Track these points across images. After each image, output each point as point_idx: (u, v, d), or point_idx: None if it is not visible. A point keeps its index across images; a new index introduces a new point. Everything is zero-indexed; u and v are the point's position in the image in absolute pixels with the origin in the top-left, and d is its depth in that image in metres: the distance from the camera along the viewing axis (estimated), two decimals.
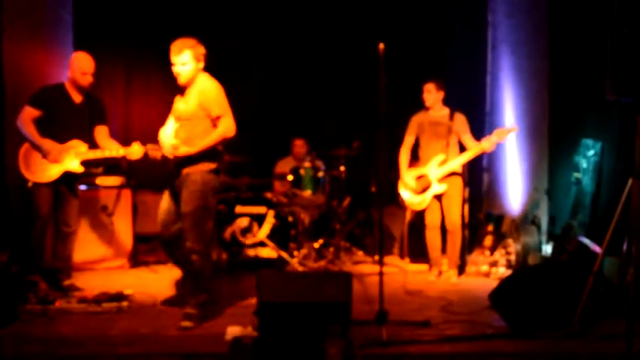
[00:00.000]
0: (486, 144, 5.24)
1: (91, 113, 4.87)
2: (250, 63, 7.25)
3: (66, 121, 4.72)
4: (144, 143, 4.60)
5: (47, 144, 4.66)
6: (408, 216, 6.32)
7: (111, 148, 4.75)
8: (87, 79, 4.77)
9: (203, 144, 4.02)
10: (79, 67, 4.75)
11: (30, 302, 4.29)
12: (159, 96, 7.21)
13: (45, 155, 4.65)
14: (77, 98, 4.79)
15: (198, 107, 4.08)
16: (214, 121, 4.08)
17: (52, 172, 4.68)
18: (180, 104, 4.16)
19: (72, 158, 4.71)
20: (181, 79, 4.12)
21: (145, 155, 4.58)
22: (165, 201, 4.24)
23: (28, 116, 4.65)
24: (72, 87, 4.78)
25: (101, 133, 4.88)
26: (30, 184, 4.69)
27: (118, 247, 5.83)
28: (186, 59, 4.10)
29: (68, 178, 4.77)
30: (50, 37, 6.22)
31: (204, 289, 4.09)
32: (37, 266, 4.82)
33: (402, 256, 6.56)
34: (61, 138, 4.71)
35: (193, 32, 7.52)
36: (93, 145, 4.87)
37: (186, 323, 3.91)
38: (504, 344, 3.63)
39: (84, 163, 4.75)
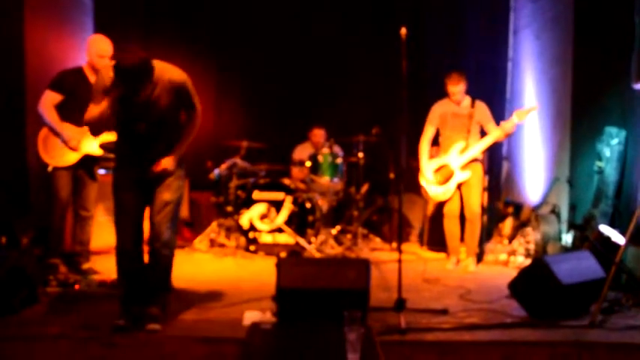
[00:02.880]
0: (508, 125, 5.17)
1: None
2: (268, 49, 7.22)
3: (85, 104, 4.69)
4: None
5: (67, 130, 4.67)
6: (431, 208, 6.27)
7: None
8: (104, 63, 4.69)
9: (185, 142, 3.61)
10: (97, 50, 4.73)
11: (50, 285, 4.33)
12: None
13: (65, 142, 4.66)
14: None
15: (175, 102, 3.53)
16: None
17: (72, 156, 4.71)
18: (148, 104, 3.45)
19: (90, 141, 4.72)
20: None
21: None
22: (132, 207, 3.57)
23: (49, 101, 4.66)
24: (90, 70, 4.78)
25: None
26: (50, 168, 4.71)
27: None
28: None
29: (87, 161, 4.79)
30: (70, 21, 6.23)
31: (169, 287, 3.78)
32: (58, 250, 4.87)
33: (421, 244, 6.54)
34: (80, 122, 4.69)
35: (212, 19, 7.54)
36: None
37: (154, 326, 3.46)
38: (524, 333, 3.59)
39: (103, 145, 4.76)
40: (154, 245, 3.60)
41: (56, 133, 4.67)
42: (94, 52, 4.74)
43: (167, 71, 3.50)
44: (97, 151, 4.76)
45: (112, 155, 5.56)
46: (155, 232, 3.59)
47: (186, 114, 3.64)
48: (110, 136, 4.79)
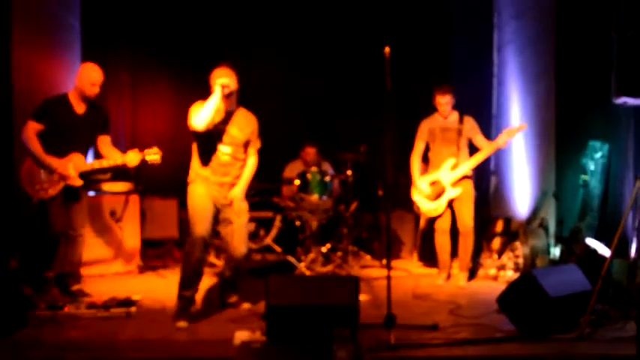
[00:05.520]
0: (500, 140, 5.24)
1: (94, 123, 4.82)
2: (257, 68, 7.26)
3: (67, 133, 4.67)
4: (151, 147, 4.69)
5: (53, 162, 4.60)
6: (422, 224, 6.28)
7: (109, 158, 4.72)
8: (94, 90, 4.73)
9: (248, 177, 4.51)
10: (89, 78, 4.70)
11: (39, 308, 4.31)
12: (165, 101, 7.25)
13: (52, 173, 4.59)
14: (80, 109, 4.75)
15: (249, 136, 4.47)
16: (248, 149, 4.52)
17: (54, 188, 4.64)
18: (234, 130, 4.37)
19: (70, 172, 4.65)
20: (231, 104, 4.37)
21: (144, 161, 4.65)
22: (210, 208, 4.35)
23: (32, 131, 4.59)
24: (76, 97, 4.73)
25: (104, 142, 4.86)
26: (35, 200, 4.63)
27: (126, 253, 5.85)
28: (234, 84, 4.33)
29: (70, 189, 4.72)
30: (58, 43, 6.26)
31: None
32: (47, 272, 4.85)
33: (418, 259, 6.55)
34: (62, 150, 4.66)
35: (201, 38, 7.57)
36: (95, 154, 4.90)
37: (246, 305, 4.59)
38: (513, 347, 3.62)
39: (83, 174, 4.72)
40: (235, 257, 4.48)
41: (41, 164, 4.59)
42: (86, 80, 4.69)
43: (245, 110, 4.53)
44: (77, 182, 4.67)
45: (101, 177, 5.62)
46: (234, 247, 4.44)
47: (250, 150, 4.52)
48: (89, 165, 4.78)
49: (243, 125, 4.44)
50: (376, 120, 6.30)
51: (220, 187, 4.38)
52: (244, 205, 4.49)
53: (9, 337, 3.77)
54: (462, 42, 7.23)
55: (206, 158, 4.36)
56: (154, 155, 4.64)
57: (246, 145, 4.48)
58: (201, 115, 4.19)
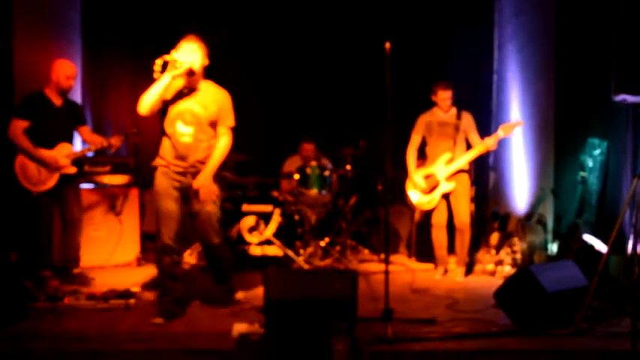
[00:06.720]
0: (491, 140, 5.26)
1: (73, 115, 5.09)
2: (257, 62, 7.28)
3: (51, 125, 4.90)
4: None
5: (45, 155, 4.82)
6: (417, 217, 6.33)
7: (95, 143, 5.04)
8: (70, 83, 4.99)
9: (218, 159, 4.12)
10: (65, 72, 4.95)
11: (39, 299, 4.33)
12: None
13: (47, 165, 4.82)
14: (58, 102, 4.98)
15: (216, 114, 4.12)
16: (218, 129, 4.17)
17: (52, 180, 4.87)
18: (197, 108, 4.06)
19: (63, 161, 4.88)
20: (194, 81, 4.08)
21: (126, 140, 5.20)
22: (173, 210, 4.10)
23: (18, 129, 4.79)
24: (53, 92, 4.96)
25: (85, 132, 5.17)
26: (35, 194, 4.84)
27: (126, 245, 5.87)
28: (197, 60, 4.04)
29: (64, 179, 4.93)
30: (58, 36, 6.26)
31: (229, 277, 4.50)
32: (47, 262, 4.92)
33: (409, 256, 6.58)
34: (49, 143, 4.87)
35: (201, 31, 7.55)
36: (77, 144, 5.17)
37: (240, 295, 4.55)
38: (510, 342, 3.64)
39: (75, 160, 4.97)
40: (209, 248, 4.30)
41: (35, 159, 4.81)
42: (62, 74, 4.94)
43: (214, 86, 4.19)
44: (71, 170, 4.93)
45: (101, 169, 5.69)
46: (205, 238, 4.25)
47: (220, 129, 4.16)
48: (79, 152, 4.99)
49: (209, 102, 4.08)
50: (376, 115, 6.36)
51: (183, 176, 4.09)
52: (213, 190, 4.12)
53: (9, 328, 3.79)
54: (463, 38, 7.23)
55: (167, 140, 4.10)
56: (133, 132, 5.35)
57: (213, 124, 4.13)
58: (145, 98, 3.92)
